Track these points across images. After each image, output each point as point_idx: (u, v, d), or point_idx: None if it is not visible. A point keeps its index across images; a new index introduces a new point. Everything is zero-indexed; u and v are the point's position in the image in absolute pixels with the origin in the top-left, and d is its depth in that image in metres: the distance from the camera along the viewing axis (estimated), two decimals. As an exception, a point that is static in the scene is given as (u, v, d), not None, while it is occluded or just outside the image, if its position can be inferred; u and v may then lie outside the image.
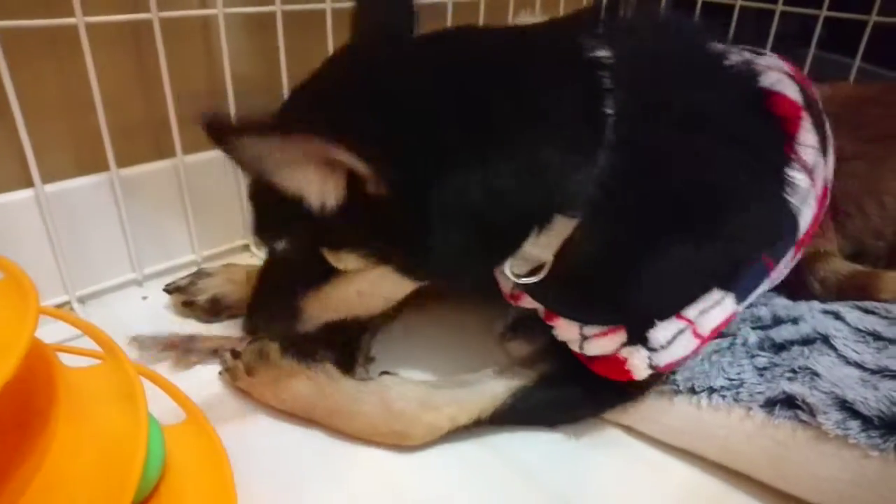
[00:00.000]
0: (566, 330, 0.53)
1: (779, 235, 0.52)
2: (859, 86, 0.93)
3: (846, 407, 0.48)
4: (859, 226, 0.72)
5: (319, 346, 0.56)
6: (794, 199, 0.51)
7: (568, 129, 0.44)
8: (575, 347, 0.52)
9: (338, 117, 0.43)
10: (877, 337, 0.55)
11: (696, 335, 0.50)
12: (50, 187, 0.63)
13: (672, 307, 0.49)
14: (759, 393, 0.51)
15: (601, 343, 0.51)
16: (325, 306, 0.53)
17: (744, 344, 0.56)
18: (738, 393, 0.52)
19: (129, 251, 0.70)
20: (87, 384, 0.38)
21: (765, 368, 0.54)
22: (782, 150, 0.50)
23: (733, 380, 0.53)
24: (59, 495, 0.30)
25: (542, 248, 0.46)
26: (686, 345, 0.49)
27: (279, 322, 0.54)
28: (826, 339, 0.55)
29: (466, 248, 0.45)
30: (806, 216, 0.53)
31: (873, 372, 0.51)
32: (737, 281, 0.50)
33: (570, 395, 0.55)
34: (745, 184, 0.48)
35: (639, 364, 0.49)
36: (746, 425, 0.50)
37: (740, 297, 0.51)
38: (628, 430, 0.56)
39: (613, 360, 0.50)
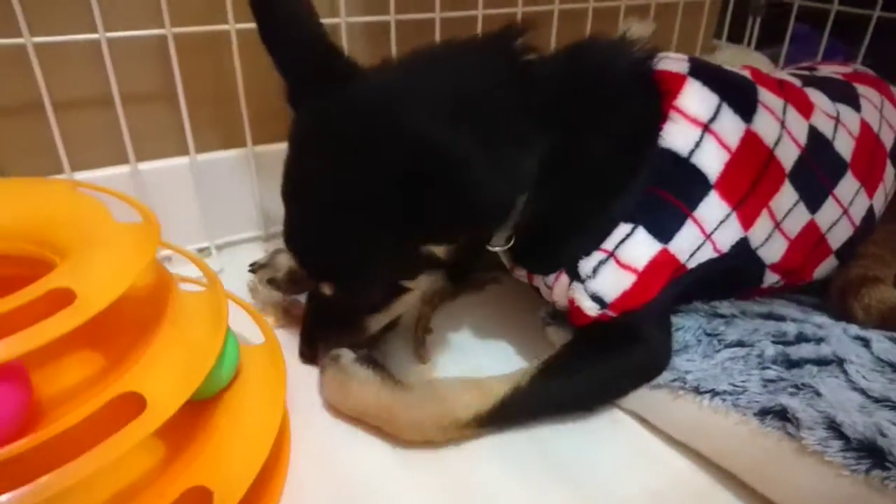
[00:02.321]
0: (540, 285, 0.64)
1: (654, 183, 0.58)
2: None
3: (833, 427, 0.49)
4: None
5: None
6: (680, 148, 0.58)
7: (517, 128, 0.55)
8: (549, 297, 0.64)
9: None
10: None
11: (624, 265, 0.57)
12: (201, 157, 0.80)
13: (590, 242, 0.58)
14: (757, 402, 0.53)
15: (558, 290, 0.61)
16: (388, 316, 0.63)
17: (759, 356, 0.58)
18: (738, 399, 0.54)
19: (258, 212, 0.85)
20: (192, 303, 0.51)
21: (771, 381, 0.55)
22: (657, 108, 0.59)
23: (737, 387, 0.55)
24: (154, 373, 0.43)
25: (509, 220, 0.58)
26: (617, 276, 0.57)
27: (336, 340, 0.61)
28: (841, 363, 0.55)
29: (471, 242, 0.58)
30: (714, 162, 0.59)
31: (876, 400, 0.51)
32: (637, 216, 0.58)
33: (594, 368, 0.59)
34: (622, 144, 0.59)
35: (581, 299, 0.58)
36: (740, 430, 0.53)
37: (660, 235, 0.58)
38: (641, 420, 0.60)
39: (573, 306, 0.59)
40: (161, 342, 0.45)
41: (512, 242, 0.61)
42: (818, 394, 0.52)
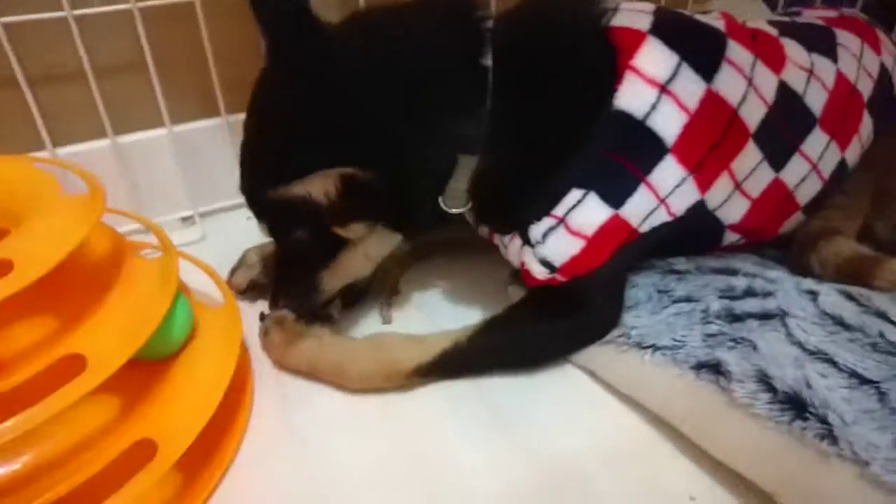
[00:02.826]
0: (499, 244, 0.64)
1: (607, 147, 0.57)
2: None
3: (763, 380, 0.50)
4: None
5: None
6: (635, 111, 0.56)
7: (462, 91, 0.56)
8: (505, 256, 0.64)
9: (341, 139, 0.54)
10: (838, 322, 0.54)
11: (573, 232, 0.57)
12: (178, 128, 0.81)
13: (541, 207, 0.58)
14: (695, 356, 0.54)
15: (512, 251, 0.62)
16: (340, 274, 0.63)
17: (704, 311, 0.58)
18: (677, 353, 0.55)
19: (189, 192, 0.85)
20: (144, 270, 0.53)
21: (711, 335, 0.55)
22: (612, 68, 0.57)
23: (678, 341, 0.56)
24: (96, 335, 0.46)
25: (458, 182, 0.58)
26: (565, 242, 0.57)
27: (302, 299, 0.63)
28: (784, 317, 0.55)
29: (419, 200, 0.57)
30: (671, 125, 0.57)
31: (810, 353, 0.51)
32: (589, 181, 0.57)
33: (533, 329, 0.61)
34: (573, 106, 0.58)
35: (531, 263, 0.59)
36: (678, 383, 0.54)
37: (611, 200, 0.57)
38: (591, 373, 0.61)
39: (524, 268, 0.59)
40: (107, 306, 0.48)
41: (470, 205, 0.61)
42: (755, 348, 0.53)
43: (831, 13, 0.76)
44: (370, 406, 0.59)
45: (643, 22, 0.60)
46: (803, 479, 0.45)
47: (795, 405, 0.47)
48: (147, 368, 0.52)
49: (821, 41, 0.68)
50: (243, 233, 0.77)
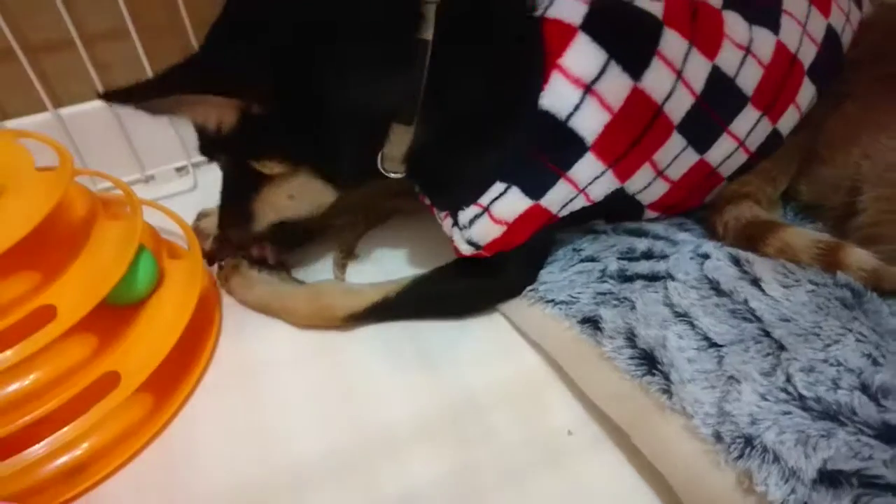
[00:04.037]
0: (436, 214, 0.67)
1: (529, 145, 0.59)
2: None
3: (629, 338, 0.55)
4: (826, 174, 0.68)
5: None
6: (558, 111, 0.58)
7: (395, 54, 0.56)
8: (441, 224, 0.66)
9: (211, 66, 0.55)
10: (713, 286, 0.58)
11: (496, 220, 0.60)
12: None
13: (469, 195, 0.61)
14: (581, 312, 0.60)
15: (444, 226, 0.65)
16: (267, 209, 0.66)
17: (602, 270, 0.63)
18: (569, 308, 0.61)
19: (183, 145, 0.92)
20: (113, 228, 0.62)
21: (601, 294, 0.61)
22: (540, 66, 0.57)
23: (573, 298, 0.62)
24: (66, 288, 0.55)
25: (395, 148, 0.60)
26: (489, 228, 0.61)
27: (239, 225, 0.68)
28: (666, 279, 0.60)
29: (343, 152, 0.60)
30: (592, 125, 0.58)
31: (677, 314, 0.56)
32: (511, 177, 0.59)
33: (452, 288, 0.68)
34: (502, 98, 0.59)
35: (459, 242, 0.63)
36: (567, 334, 0.60)
37: (531, 193, 0.60)
38: (510, 321, 0.68)
39: (452, 243, 0.64)
40: (77, 263, 0.57)
41: (405, 173, 0.63)
42: (633, 307, 0.58)
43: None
44: (314, 342, 0.68)
45: (577, 12, 0.59)
46: (647, 424, 0.52)
47: (649, 361, 0.53)
48: (117, 313, 0.62)
49: (766, 9, 0.66)
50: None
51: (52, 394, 0.55)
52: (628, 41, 0.59)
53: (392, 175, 0.63)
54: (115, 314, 0.62)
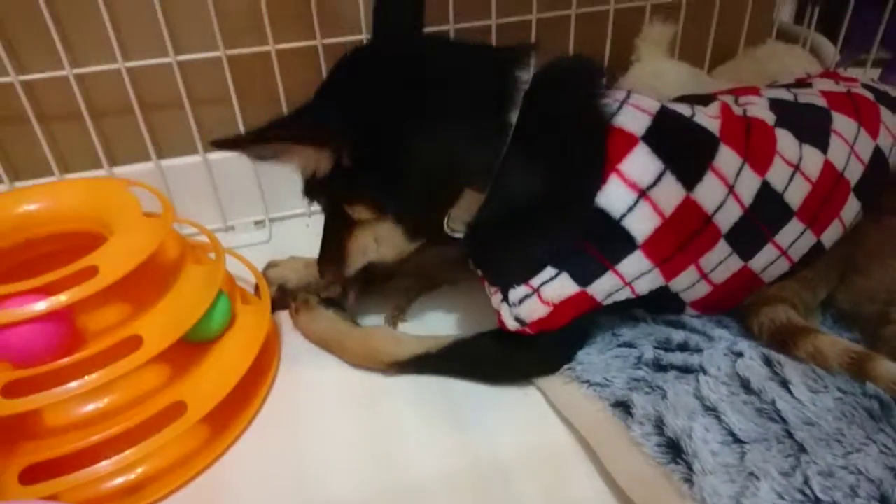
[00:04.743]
0: (486, 286, 0.71)
1: (583, 237, 0.64)
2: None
3: (658, 425, 0.58)
4: (863, 285, 0.70)
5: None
6: (613, 210, 0.62)
7: (482, 129, 0.63)
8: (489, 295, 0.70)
9: (304, 120, 0.64)
10: (744, 384, 0.60)
11: (544, 301, 0.64)
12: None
13: (521, 276, 0.65)
14: (615, 395, 0.63)
15: (493, 300, 0.69)
16: (356, 251, 0.73)
17: (638, 357, 0.66)
18: (603, 390, 0.64)
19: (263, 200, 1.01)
20: (198, 272, 0.70)
21: (636, 380, 0.64)
22: (601, 168, 0.63)
23: (608, 381, 0.65)
24: (154, 322, 0.62)
25: (463, 211, 0.66)
26: (536, 307, 0.64)
27: (333, 266, 0.75)
28: (699, 373, 0.62)
29: (417, 206, 0.66)
30: (644, 227, 0.62)
31: (706, 408, 0.58)
32: (563, 264, 0.64)
33: (491, 355, 0.72)
34: (563, 191, 0.64)
35: (507, 317, 0.67)
36: (599, 415, 0.63)
37: (580, 280, 0.64)
38: (543, 394, 0.71)
39: (499, 317, 0.68)
40: (164, 301, 0.64)
41: (465, 236, 0.69)
42: (664, 396, 0.61)
43: (841, 88, 0.77)
44: (360, 392, 0.73)
45: (641, 124, 0.64)
46: (668, 510, 0.53)
47: (674, 450, 0.55)
48: (190, 348, 0.68)
49: (816, 128, 0.70)
50: (300, 238, 0.93)
51: (124, 416, 0.61)
52: (684, 154, 0.64)
53: (454, 235, 0.69)
54: (188, 349, 0.68)
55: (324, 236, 0.76)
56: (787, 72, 1.04)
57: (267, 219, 1.03)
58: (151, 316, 0.63)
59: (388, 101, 0.64)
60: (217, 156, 0.97)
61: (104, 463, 0.60)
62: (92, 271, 0.59)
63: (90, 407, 0.63)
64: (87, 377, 0.58)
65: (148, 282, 0.66)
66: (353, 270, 0.76)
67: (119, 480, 0.63)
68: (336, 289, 0.83)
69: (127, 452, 0.60)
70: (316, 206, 1.00)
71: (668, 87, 0.99)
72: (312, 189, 0.71)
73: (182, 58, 0.88)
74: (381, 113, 0.63)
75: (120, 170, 0.95)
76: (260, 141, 0.60)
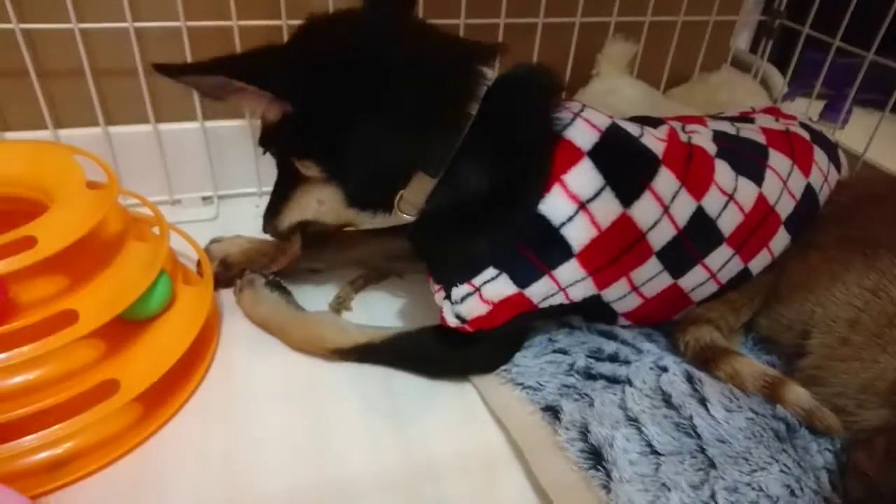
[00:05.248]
0: (429, 281, 0.72)
1: (523, 240, 0.65)
2: (880, 181, 0.86)
3: (583, 432, 0.61)
4: (783, 313, 0.74)
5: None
6: (553, 218, 0.64)
7: (437, 115, 0.63)
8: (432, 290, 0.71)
9: (251, 61, 0.63)
10: (665, 398, 0.64)
11: (484, 300, 0.66)
12: (210, 124, 0.97)
13: (464, 275, 0.66)
14: (545, 400, 0.65)
15: (436, 297, 0.71)
16: (295, 207, 0.73)
17: (571, 364, 0.69)
18: (535, 394, 0.66)
19: (257, 173, 1.02)
20: (141, 249, 0.68)
21: (567, 386, 0.67)
22: (546, 176, 0.65)
23: (540, 385, 0.67)
24: (89, 298, 0.61)
25: (413, 194, 0.66)
26: (476, 306, 0.66)
27: (269, 218, 0.76)
28: (626, 384, 0.66)
29: (362, 178, 0.66)
30: (580, 237, 0.65)
31: (628, 419, 0.62)
32: (504, 265, 0.65)
33: (431, 350, 0.73)
34: (509, 194, 0.65)
35: (447, 314, 0.68)
36: (529, 418, 0.65)
37: (518, 282, 0.65)
38: (479, 393, 0.72)
39: (440, 313, 0.69)
40: (103, 276, 0.63)
41: (414, 225, 0.69)
42: (591, 404, 0.63)
43: (780, 125, 0.82)
44: (298, 382, 0.73)
45: (589, 139, 0.67)
46: (587, 514, 0.56)
47: (596, 457, 0.58)
48: (127, 326, 0.67)
49: (753, 163, 0.74)
50: (249, 218, 0.91)
51: (54, 390, 0.59)
52: (625, 172, 0.66)
53: (404, 216, 0.69)
54: (124, 327, 0.67)
55: (273, 190, 0.76)
56: (735, 102, 1.09)
57: (215, 195, 1.01)
58: (89, 291, 0.62)
59: (344, 67, 0.63)
60: (167, 126, 0.95)
61: (29, 438, 0.59)
62: (30, 241, 0.57)
63: (19, 379, 0.61)
64: (17, 350, 0.57)
65: (87, 255, 0.65)
66: (288, 223, 0.76)
67: (43, 455, 0.62)
68: (280, 263, 0.81)
69: (54, 428, 0.60)
70: (266, 187, 1.02)
71: (623, 103, 1.03)
72: (266, 137, 0.71)
73: (140, 24, 0.86)
74: (335, 77, 0.63)
75: (66, 132, 0.92)
76: (202, 72, 0.61)
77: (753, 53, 1.29)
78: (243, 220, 0.93)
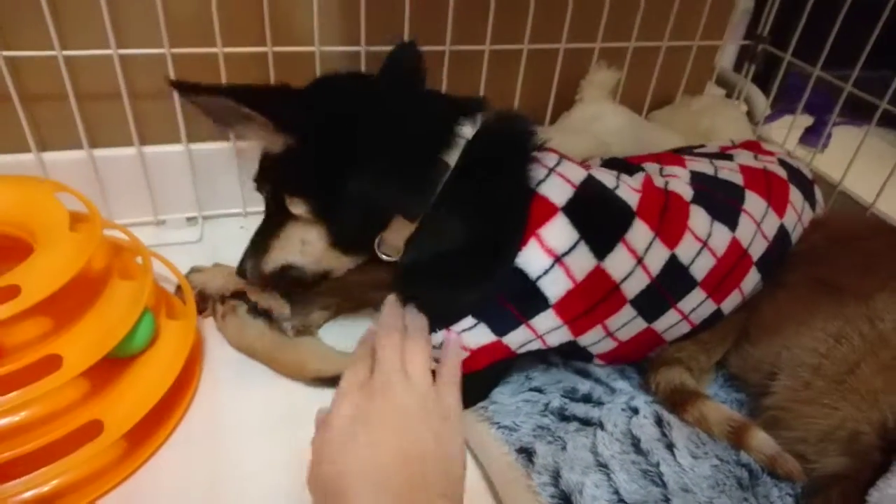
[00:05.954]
0: None
1: (502, 292, 0.67)
2: (855, 221, 0.88)
3: (555, 476, 0.63)
4: (751, 353, 0.77)
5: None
6: (530, 272, 0.66)
7: (417, 163, 0.66)
8: None
9: (267, 94, 0.68)
10: (634, 443, 0.66)
11: (462, 347, 0.67)
12: (195, 146, 0.97)
13: (443, 322, 0.68)
14: (520, 441, 0.67)
15: None
16: (278, 247, 0.73)
17: (546, 404, 0.71)
18: (510, 435, 0.68)
19: (241, 194, 1.03)
20: (123, 288, 0.69)
21: (541, 427, 0.68)
22: (522, 231, 0.66)
23: (516, 425, 0.69)
24: (74, 341, 0.62)
25: (393, 236, 0.68)
26: (455, 351, 0.66)
27: (250, 260, 0.75)
28: (597, 427, 0.68)
29: (347, 218, 0.68)
30: (556, 289, 0.67)
31: (598, 465, 0.64)
32: (482, 315, 0.67)
33: None
34: (486, 247, 0.67)
35: None
36: (502, 459, 0.66)
37: (497, 331, 0.68)
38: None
39: None
40: (87, 319, 0.64)
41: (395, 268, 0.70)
42: (564, 447, 0.65)
43: (759, 163, 0.83)
44: (282, 413, 0.75)
45: (563, 195, 0.68)
46: (554, 559, 0.59)
47: (566, 503, 0.60)
48: (112, 364, 0.68)
49: (728, 206, 0.75)
50: (234, 238, 0.88)
51: (39, 431, 0.61)
52: (599, 227, 0.68)
53: (384, 257, 0.71)
54: (108, 365, 0.67)
55: (255, 234, 0.77)
56: (717, 129, 1.10)
57: (200, 216, 1.02)
58: (73, 335, 0.63)
59: (347, 115, 0.66)
60: (152, 149, 0.96)
61: (14, 482, 0.60)
62: (14, 291, 0.58)
63: (3, 422, 0.62)
64: (1, 397, 0.58)
65: (71, 297, 0.65)
66: (272, 266, 0.75)
67: (29, 494, 0.63)
68: (262, 297, 0.82)
69: (40, 471, 0.61)
70: (251, 207, 1.03)
71: (606, 129, 1.04)
72: (262, 174, 0.73)
73: (124, 52, 0.85)
74: (337, 123, 0.66)
75: (50, 156, 0.91)
76: (215, 94, 0.63)
77: (738, 72, 1.30)
78: (227, 241, 0.94)
